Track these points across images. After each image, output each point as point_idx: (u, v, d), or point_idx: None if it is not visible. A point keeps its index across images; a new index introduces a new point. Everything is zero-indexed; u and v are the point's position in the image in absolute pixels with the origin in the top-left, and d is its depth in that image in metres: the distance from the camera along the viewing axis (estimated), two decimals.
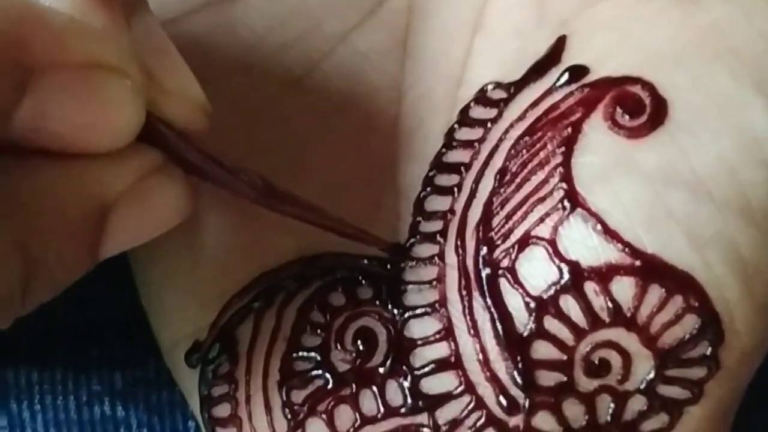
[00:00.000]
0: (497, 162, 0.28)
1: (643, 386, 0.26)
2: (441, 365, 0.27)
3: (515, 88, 0.29)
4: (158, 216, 0.26)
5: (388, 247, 0.28)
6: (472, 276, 0.27)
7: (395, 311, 0.28)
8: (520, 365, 0.26)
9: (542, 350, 0.26)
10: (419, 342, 0.27)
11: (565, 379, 0.26)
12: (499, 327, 0.26)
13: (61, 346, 0.34)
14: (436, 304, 0.27)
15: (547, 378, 0.26)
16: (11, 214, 0.22)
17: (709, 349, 0.26)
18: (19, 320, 0.33)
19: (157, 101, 0.25)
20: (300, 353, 0.28)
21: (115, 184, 0.24)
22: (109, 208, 0.24)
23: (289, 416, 0.27)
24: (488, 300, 0.26)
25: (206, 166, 0.26)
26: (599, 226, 0.26)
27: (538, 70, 0.28)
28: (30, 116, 0.22)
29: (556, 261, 0.26)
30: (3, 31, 0.22)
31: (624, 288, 0.26)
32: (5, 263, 0.22)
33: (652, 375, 0.26)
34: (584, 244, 0.26)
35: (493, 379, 0.26)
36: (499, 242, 0.27)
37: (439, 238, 0.28)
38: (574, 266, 0.26)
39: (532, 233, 0.26)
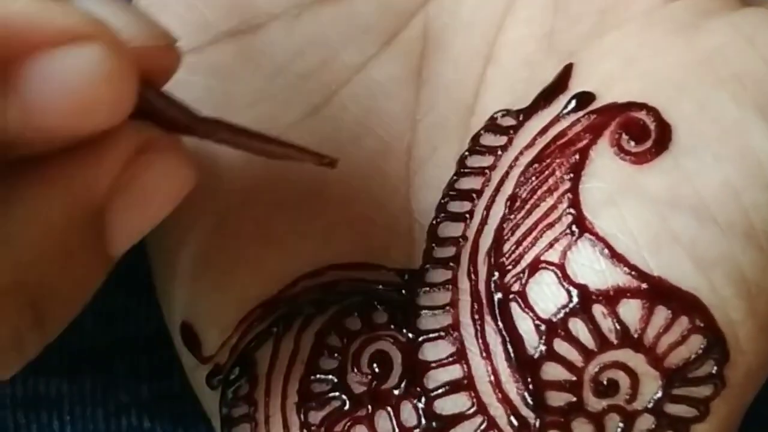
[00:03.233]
0: (507, 189, 0.28)
1: (650, 405, 0.27)
2: (454, 387, 0.27)
3: (524, 115, 0.29)
4: (162, 194, 0.24)
5: (330, 161, 0.28)
6: (484, 300, 0.28)
7: (409, 335, 0.28)
8: (530, 386, 0.27)
9: (552, 372, 0.27)
10: (433, 365, 0.28)
11: (574, 399, 0.27)
12: (510, 350, 0.27)
13: (90, 360, 0.35)
14: (450, 328, 0.28)
15: (557, 398, 0.27)
16: (7, 250, 0.22)
17: (715, 367, 0.26)
18: None
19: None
20: (317, 376, 0.29)
21: (101, 179, 0.23)
22: (102, 205, 0.23)
23: None
24: (500, 323, 0.27)
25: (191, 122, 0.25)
26: (606, 251, 0.26)
27: (546, 97, 0.29)
28: (18, 115, 0.21)
29: (565, 285, 0.27)
30: None
31: (631, 310, 0.26)
32: (7, 304, 0.22)
33: (659, 394, 0.26)
34: (592, 268, 0.26)
35: (505, 400, 0.27)
36: (510, 267, 0.28)
37: (452, 264, 0.29)
38: (583, 290, 0.26)
39: (542, 258, 0.27)
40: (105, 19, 0.22)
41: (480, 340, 0.27)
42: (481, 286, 0.28)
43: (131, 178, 0.23)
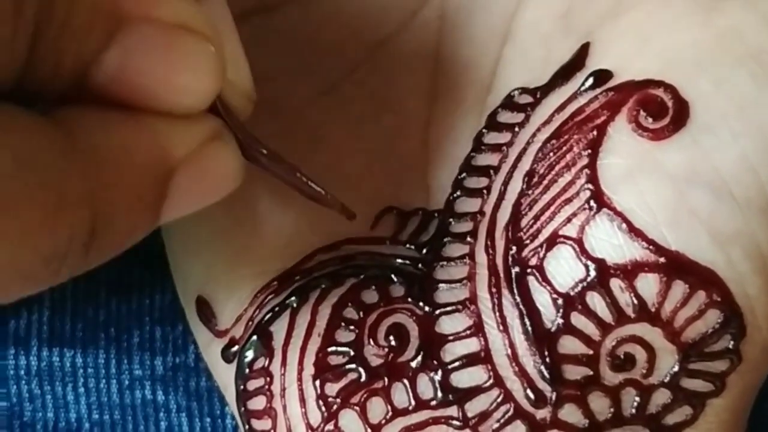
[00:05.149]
0: (525, 165, 0.29)
1: (667, 380, 0.27)
2: (471, 360, 0.27)
3: (541, 92, 0.29)
4: (215, 183, 0.26)
5: (350, 214, 0.29)
6: (501, 274, 0.28)
7: (426, 308, 0.28)
8: (547, 359, 0.27)
9: (569, 345, 0.27)
10: (450, 337, 0.28)
11: (591, 373, 0.27)
12: (528, 323, 0.27)
13: (105, 332, 0.35)
14: (467, 302, 0.28)
15: (574, 372, 0.27)
16: (85, 166, 0.23)
17: (732, 342, 0.27)
18: (65, 305, 0.34)
19: None
20: (334, 348, 0.29)
21: (181, 147, 0.25)
22: (173, 171, 0.25)
23: (323, 408, 0.28)
24: (517, 297, 0.27)
25: (252, 147, 0.27)
26: (624, 225, 0.27)
27: (564, 75, 0.29)
28: (114, 64, 0.23)
29: (583, 259, 0.27)
30: None
31: (648, 284, 0.26)
32: (74, 212, 0.22)
33: (676, 369, 0.27)
34: (610, 242, 0.27)
35: (522, 373, 0.27)
36: (527, 242, 0.28)
37: (469, 238, 0.29)
38: (600, 264, 0.27)
39: (560, 233, 0.27)
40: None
41: (497, 314, 0.27)
42: (499, 261, 0.28)
43: (202, 157, 0.25)
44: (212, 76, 0.24)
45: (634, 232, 0.26)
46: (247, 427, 0.29)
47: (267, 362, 0.29)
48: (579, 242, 0.27)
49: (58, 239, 0.22)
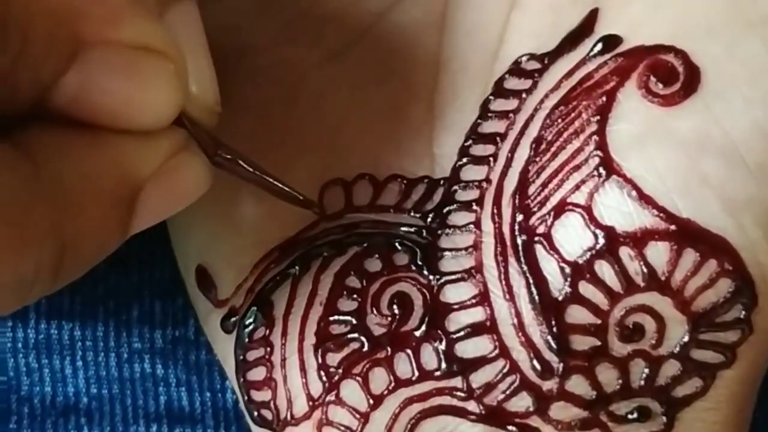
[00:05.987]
0: (533, 131, 0.28)
1: (676, 350, 0.26)
2: (476, 329, 0.27)
3: (549, 59, 0.29)
4: (183, 192, 0.26)
5: (322, 213, 0.30)
6: (508, 242, 0.27)
7: (431, 277, 0.28)
8: (554, 329, 0.26)
9: (577, 315, 0.26)
10: (455, 306, 0.27)
11: (599, 343, 0.26)
12: (534, 292, 0.26)
13: (104, 305, 0.35)
14: (472, 270, 0.27)
15: (582, 342, 0.26)
16: (50, 197, 0.23)
17: (743, 312, 0.26)
18: None
19: None
20: (336, 317, 0.28)
21: (146, 165, 0.25)
22: (140, 189, 0.25)
23: (324, 378, 0.28)
24: (524, 266, 0.27)
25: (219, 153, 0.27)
26: (634, 192, 0.26)
27: (572, 40, 0.29)
28: (74, 86, 0.23)
29: (592, 227, 0.26)
30: (64, 2, 0.22)
31: (659, 252, 0.26)
32: (39, 244, 0.23)
33: (686, 339, 0.26)
34: (619, 209, 0.26)
35: (528, 343, 0.26)
36: (535, 209, 0.27)
37: (475, 206, 0.28)
38: (610, 231, 0.26)
39: (568, 200, 0.27)
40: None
41: (503, 282, 0.27)
42: (505, 228, 0.27)
43: (168, 170, 0.25)
44: (173, 94, 0.24)
45: (644, 199, 0.26)
46: (246, 398, 0.29)
47: (267, 332, 0.29)
48: (588, 210, 0.26)
49: (24, 270, 0.22)
